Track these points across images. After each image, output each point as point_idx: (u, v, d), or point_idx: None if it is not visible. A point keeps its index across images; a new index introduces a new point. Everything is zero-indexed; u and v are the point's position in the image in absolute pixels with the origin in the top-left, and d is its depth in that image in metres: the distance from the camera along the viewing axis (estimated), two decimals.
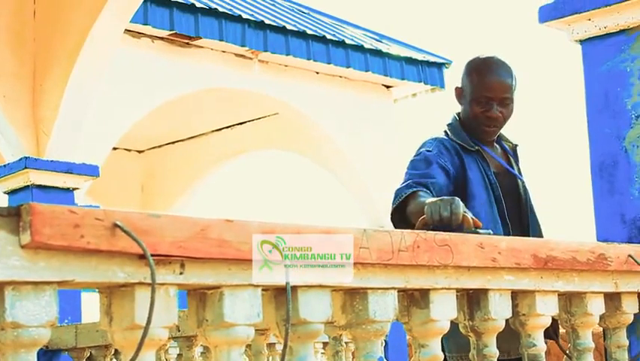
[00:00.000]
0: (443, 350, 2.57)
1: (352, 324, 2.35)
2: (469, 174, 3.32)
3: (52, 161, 6.58)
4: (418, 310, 2.48)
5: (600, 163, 3.39)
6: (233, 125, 10.95)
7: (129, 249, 1.86)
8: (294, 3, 10.77)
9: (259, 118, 10.66)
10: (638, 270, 2.95)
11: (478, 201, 3.24)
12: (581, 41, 3.47)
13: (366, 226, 3.17)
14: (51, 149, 6.58)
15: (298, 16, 10.16)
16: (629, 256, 2.94)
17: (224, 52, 9.10)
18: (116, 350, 5.38)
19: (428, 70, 10.40)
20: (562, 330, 3.05)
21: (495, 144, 3.52)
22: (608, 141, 3.37)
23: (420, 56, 10.43)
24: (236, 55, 9.19)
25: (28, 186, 6.57)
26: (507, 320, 2.70)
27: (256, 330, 2.17)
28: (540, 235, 3.41)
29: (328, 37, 9.60)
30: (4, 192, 6.84)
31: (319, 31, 9.66)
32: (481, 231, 2.80)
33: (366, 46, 9.94)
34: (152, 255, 1.87)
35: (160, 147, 11.51)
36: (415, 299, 2.49)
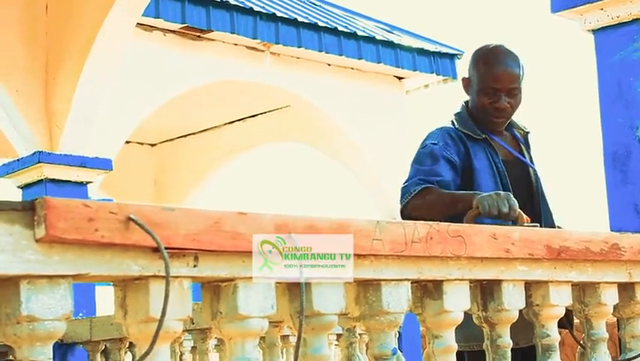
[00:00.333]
0: None
1: (366, 316, 2.36)
2: (475, 164, 3.31)
3: (65, 155, 6.59)
4: (431, 301, 2.49)
5: (613, 153, 3.38)
6: (245, 118, 10.94)
7: (143, 242, 1.86)
8: None
9: (271, 110, 10.66)
10: None
11: (485, 191, 3.23)
12: (594, 31, 3.46)
13: (379, 217, 3.17)
14: (64, 143, 6.59)
15: (310, 8, 10.15)
16: None
17: (235, 44, 9.09)
18: (130, 343, 5.41)
19: (440, 61, 10.37)
20: (576, 320, 3.05)
21: (505, 131, 3.49)
22: (621, 131, 3.36)
23: (432, 47, 10.40)
24: (248, 47, 9.19)
25: (41, 180, 6.59)
26: (519, 311, 2.70)
27: (270, 322, 2.17)
28: (552, 223, 3.40)
29: (340, 28, 9.58)
30: (18, 187, 6.86)
31: (331, 22, 9.65)
32: (526, 225, 2.93)
33: (378, 37, 9.92)
34: (166, 248, 1.88)
35: (172, 140, 11.52)
36: (428, 290, 2.49)
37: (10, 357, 5.45)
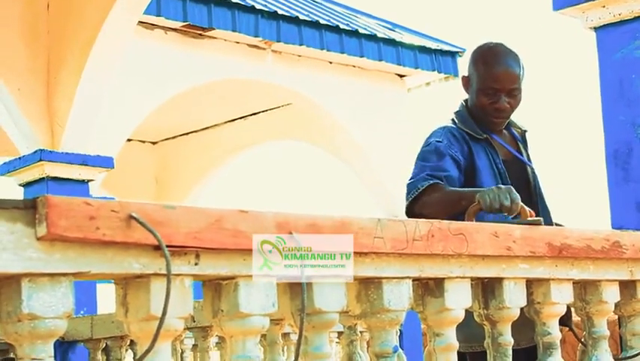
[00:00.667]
0: None
1: (367, 313, 2.36)
2: (477, 163, 3.30)
3: (67, 153, 6.60)
4: (432, 299, 2.48)
5: (615, 151, 3.38)
6: (247, 116, 10.94)
7: (144, 240, 1.86)
8: None
9: (272, 108, 10.66)
10: None
11: None
12: (596, 29, 3.46)
13: (380, 215, 3.16)
14: (66, 141, 6.60)
15: (311, 5, 10.14)
16: None
17: (237, 43, 9.09)
18: (131, 341, 5.40)
19: (442, 59, 10.36)
20: (577, 318, 3.05)
21: (504, 130, 3.48)
22: (622, 129, 3.36)
23: (433, 45, 10.40)
24: (250, 45, 9.19)
25: (43, 178, 6.60)
26: (520, 310, 2.70)
27: (271, 320, 2.17)
28: (550, 222, 3.38)
29: (341, 26, 9.58)
30: (20, 185, 6.87)
31: (332, 20, 9.65)
32: (530, 220, 2.90)
33: (380, 35, 9.92)
34: (168, 246, 1.88)
35: (174, 138, 11.52)
36: (429, 288, 2.49)
37: (11, 355, 5.46)
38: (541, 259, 2.66)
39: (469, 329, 2.77)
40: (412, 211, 3.17)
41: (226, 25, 8.67)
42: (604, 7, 3.40)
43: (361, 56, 9.75)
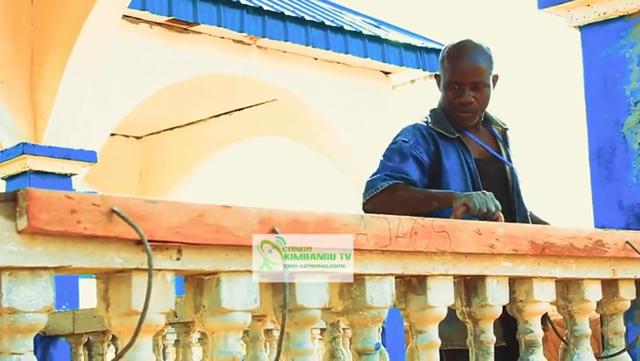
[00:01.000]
0: None
1: (349, 310, 2.35)
2: (445, 163, 3.26)
3: (49, 147, 6.56)
4: (415, 296, 2.48)
5: (598, 150, 3.38)
6: (232, 112, 10.93)
7: (126, 235, 1.85)
8: None
9: (257, 104, 10.64)
10: (636, 256, 2.95)
11: (454, 190, 3.19)
12: (580, 27, 3.46)
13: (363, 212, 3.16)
14: (49, 135, 6.56)
15: (297, 1, 10.13)
16: (627, 242, 2.93)
17: (222, 38, 9.07)
18: (113, 336, 5.39)
19: (427, 56, 10.37)
20: (559, 316, 3.05)
21: (482, 127, 3.45)
22: (606, 128, 3.37)
23: (419, 42, 10.41)
24: (235, 41, 9.17)
25: (25, 171, 6.56)
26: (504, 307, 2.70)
27: (253, 316, 2.17)
28: (526, 220, 3.37)
29: (327, 23, 9.58)
30: (2, 178, 6.83)
31: (318, 17, 9.64)
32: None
33: (365, 32, 9.91)
34: (149, 241, 1.87)
35: (158, 133, 11.49)
36: (412, 285, 2.49)
37: None
38: (524, 257, 2.67)
39: (445, 328, 2.76)
40: (367, 209, 3.15)
41: (211, 20, 8.65)
42: (589, 6, 3.40)
43: (346, 53, 9.75)
